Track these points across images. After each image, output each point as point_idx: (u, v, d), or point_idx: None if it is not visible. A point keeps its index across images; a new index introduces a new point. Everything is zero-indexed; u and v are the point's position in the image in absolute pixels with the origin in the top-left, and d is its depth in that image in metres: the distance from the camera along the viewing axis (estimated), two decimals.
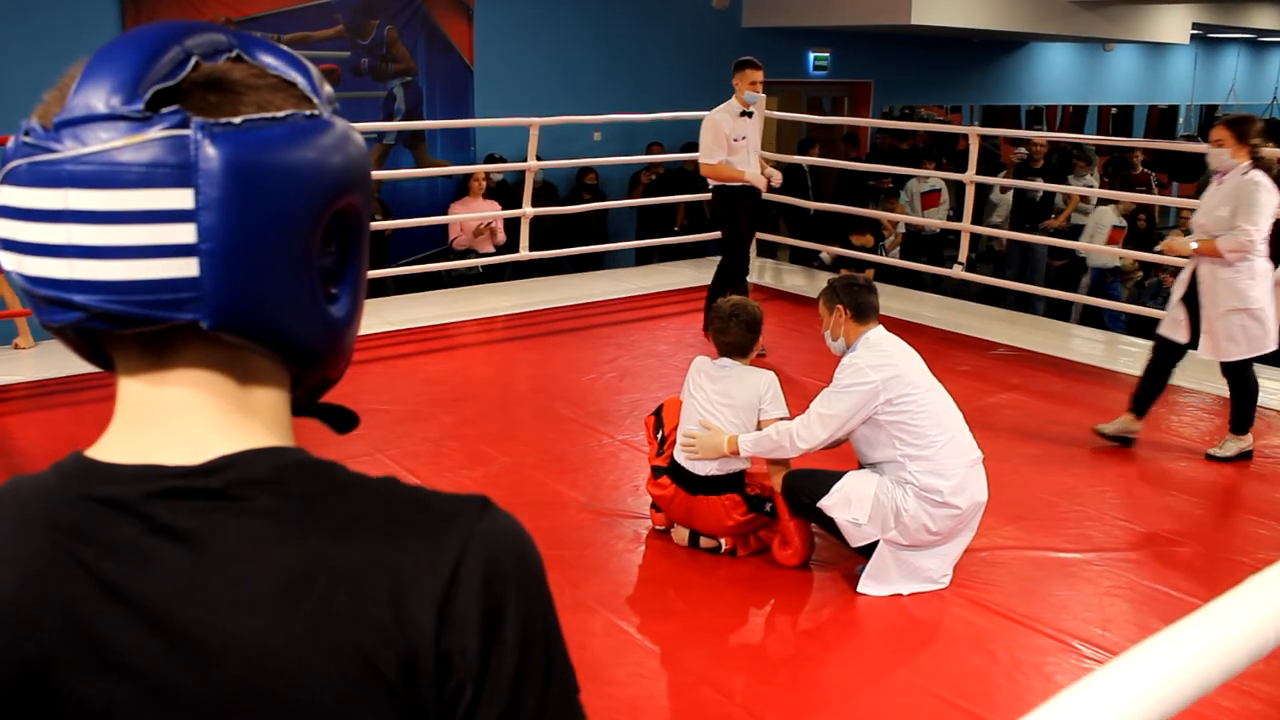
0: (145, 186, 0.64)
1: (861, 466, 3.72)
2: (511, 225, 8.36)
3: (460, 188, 9.16)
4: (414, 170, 9.28)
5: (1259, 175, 4.59)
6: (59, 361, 5.49)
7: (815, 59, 12.72)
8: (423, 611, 0.67)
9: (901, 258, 9.31)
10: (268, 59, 0.72)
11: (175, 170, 0.65)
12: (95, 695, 0.66)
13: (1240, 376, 4.82)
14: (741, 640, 3.43)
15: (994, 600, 3.58)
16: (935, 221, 9.72)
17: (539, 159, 7.66)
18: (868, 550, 3.61)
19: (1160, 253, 4.92)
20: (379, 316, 6.88)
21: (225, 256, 0.66)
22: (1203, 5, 14.26)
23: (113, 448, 0.71)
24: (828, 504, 3.60)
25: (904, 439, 3.56)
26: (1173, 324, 4.90)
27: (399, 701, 0.67)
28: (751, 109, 6.28)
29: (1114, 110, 17.11)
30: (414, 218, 8.33)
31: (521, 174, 7.97)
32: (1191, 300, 4.83)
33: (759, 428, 3.80)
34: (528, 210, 7.62)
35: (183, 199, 0.65)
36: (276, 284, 0.69)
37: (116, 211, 0.64)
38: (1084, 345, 6.82)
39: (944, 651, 3.36)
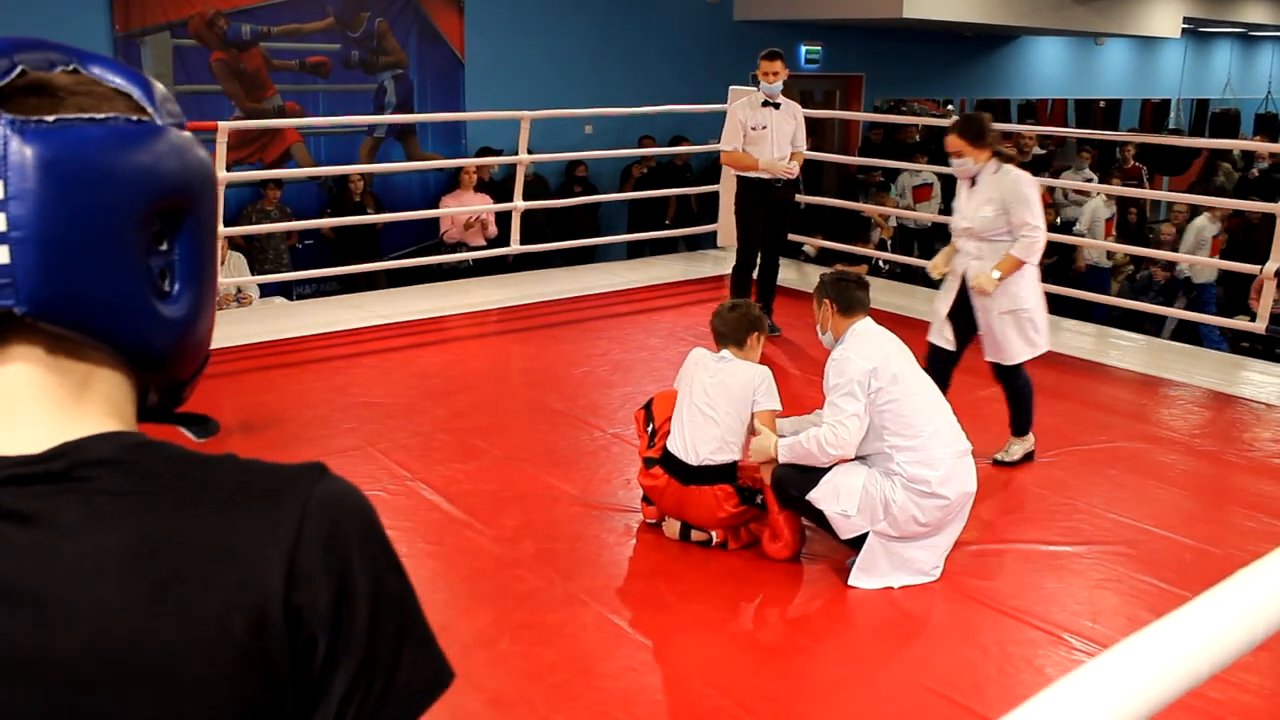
0: None
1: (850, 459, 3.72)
2: (502, 218, 8.35)
3: (451, 181, 9.15)
4: (405, 164, 9.26)
5: (1014, 169, 4.50)
6: None
7: (807, 52, 12.70)
8: (269, 571, 0.70)
9: (892, 251, 9.32)
10: (102, 72, 0.76)
11: None
12: None
13: (1015, 379, 4.69)
14: (733, 633, 3.43)
15: (984, 593, 3.59)
16: (927, 215, 9.73)
17: (530, 152, 7.66)
18: (857, 543, 3.61)
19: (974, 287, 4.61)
20: (370, 310, 6.87)
21: (36, 244, 0.69)
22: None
23: None
24: (816, 496, 3.61)
25: (891, 429, 3.58)
26: (938, 332, 4.76)
27: (250, 662, 0.69)
28: (778, 100, 6.35)
29: (1102, 104, 17.13)
30: (405, 211, 8.32)
31: (511, 169, 7.96)
32: (958, 308, 4.69)
33: (752, 420, 3.82)
34: (519, 204, 7.61)
35: None
36: (94, 275, 0.71)
37: None
38: (1074, 339, 6.83)
39: (934, 644, 3.37)
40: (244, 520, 0.71)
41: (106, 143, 0.71)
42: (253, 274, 7.78)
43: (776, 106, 6.38)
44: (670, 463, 3.85)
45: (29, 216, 0.69)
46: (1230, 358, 6.68)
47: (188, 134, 0.78)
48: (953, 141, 4.52)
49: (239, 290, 7.53)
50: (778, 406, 3.87)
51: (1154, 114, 18.37)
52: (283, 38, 8.84)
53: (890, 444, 3.58)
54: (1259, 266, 6.22)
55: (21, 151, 0.69)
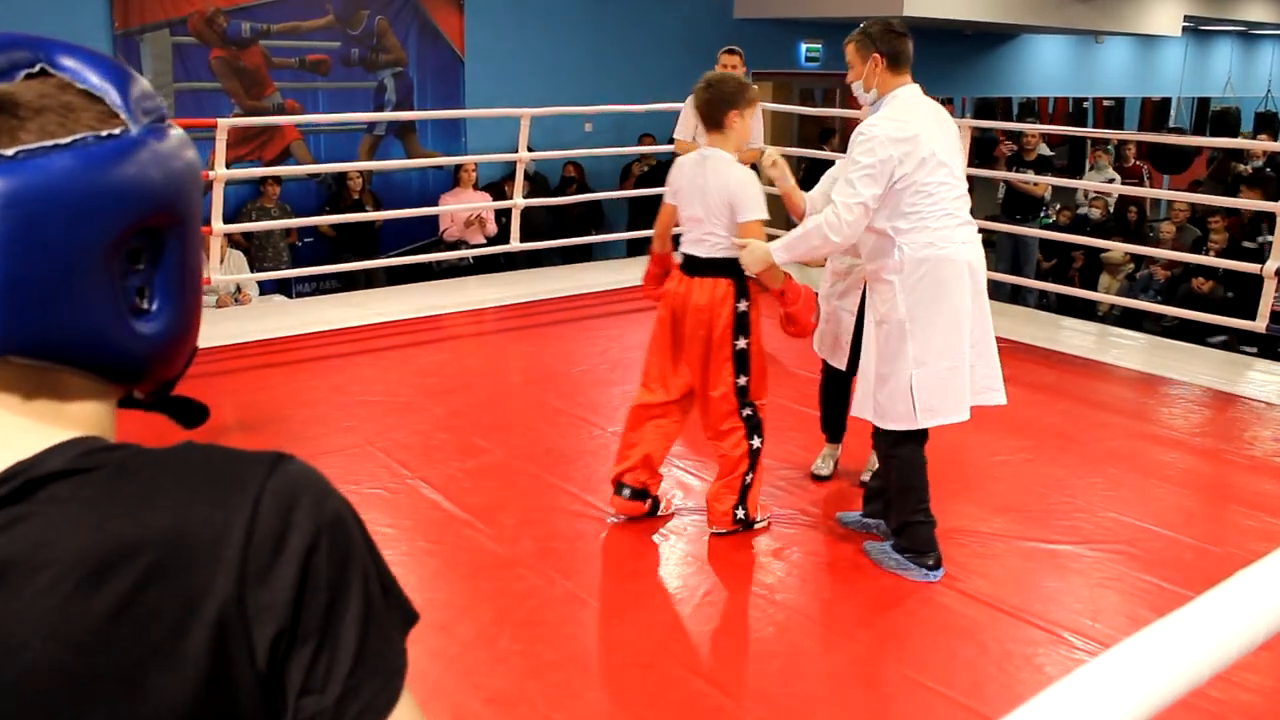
0: None
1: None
2: (502, 217, 8.35)
3: (451, 179, 9.15)
4: (404, 161, 9.26)
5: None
6: None
7: (807, 50, 12.71)
8: (224, 575, 0.67)
9: None
10: (75, 66, 0.71)
11: None
12: None
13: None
14: (733, 632, 3.42)
15: (984, 592, 3.59)
16: None
17: (530, 150, 7.66)
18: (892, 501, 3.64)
19: None
20: (370, 308, 6.87)
21: (3, 288, 0.65)
22: None
23: None
24: (895, 416, 3.53)
25: (901, 208, 3.42)
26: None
27: (208, 669, 0.67)
28: None
29: (1108, 103, 17.13)
30: (404, 209, 8.31)
31: (507, 168, 7.95)
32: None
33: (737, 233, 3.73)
34: (518, 201, 7.60)
35: None
36: (64, 310, 0.68)
37: None
38: (1074, 337, 6.83)
39: (934, 643, 3.37)
40: (196, 522, 0.68)
41: (74, 171, 0.67)
42: (252, 271, 7.78)
43: None
44: (685, 261, 3.86)
45: None
46: (1231, 356, 6.68)
47: (172, 133, 0.74)
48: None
49: (238, 288, 7.53)
50: (763, 215, 3.74)
51: (1154, 112, 18.36)
52: (282, 35, 8.84)
53: (893, 225, 3.43)
54: (1259, 265, 6.22)
55: None
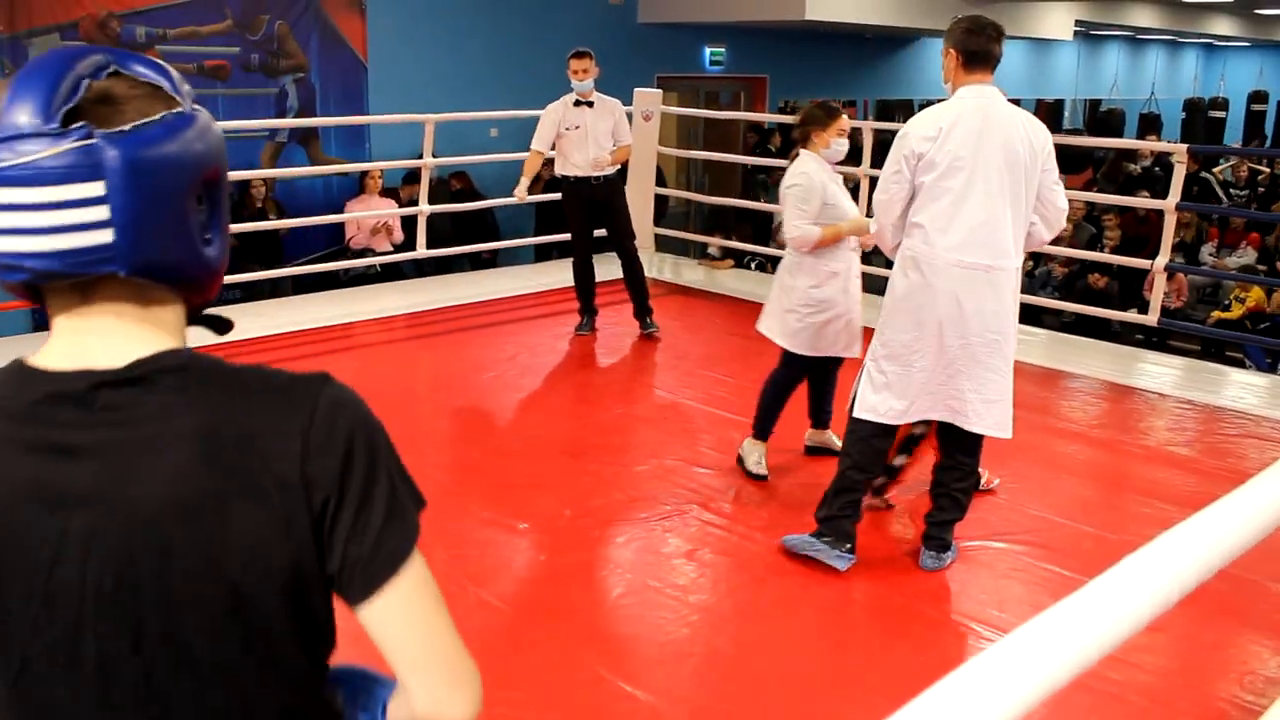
0: (68, 182, 0.92)
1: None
2: (409, 223, 8.26)
3: (357, 185, 9.03)
4: (308, 169, 9.10)
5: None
6: None
7: (711, 54, 12.80)
8: (292, 445, 0.98)
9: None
10: (138, 69, 0.99)
11: (89, 169, 0.92)
12: (53, 526, 0.95)
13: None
14: (647, 634, 3.42)
15: (894, 586, 3.64)
16: None
17: (435, 155, 7.60)
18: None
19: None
20: (276, 318, 6.74)
21: (131, 225, 0.94)
22: (1085, 3, 14.69)
23: (52, 358, 0.99)
24: (861, 410, 3.65)
25: (914, 204, 3.49)
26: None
27: (277, 512, 0.97)
28: (590, 99, 6.32)
29: None
30: (309, 217, 8.18)
31: (411, 172, 7.88)
32: None
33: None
34: (424, 208, 7.54)
35: (96, 189, 0.92)
36: (169, 239, 0.97)
37: (49, 203, 0.92)
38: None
39: (847, 637, 3.41)
40: (276, 410, 0.99)
41: (165, 138, 0.95)
42: None
43: (590, 105, 6.36)
44: None
45: (123, 206, 0.93)
46: (1125, 350, 6.88)
47: (204, 111, 1.01)
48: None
49: None
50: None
51: (1049, 114, 18.86)
52: (180, 40, 8.65)
53: (906, 219, 3.52)
54: (1150, 261, 6.41)
55: (114, 157, 0.92)
